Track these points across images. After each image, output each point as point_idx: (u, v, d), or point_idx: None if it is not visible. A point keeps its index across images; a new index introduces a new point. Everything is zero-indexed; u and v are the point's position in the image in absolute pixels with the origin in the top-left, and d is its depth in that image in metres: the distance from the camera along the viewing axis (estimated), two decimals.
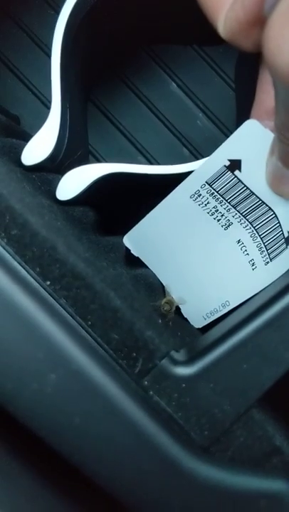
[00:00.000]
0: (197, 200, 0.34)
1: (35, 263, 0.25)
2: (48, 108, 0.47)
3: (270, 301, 0.26)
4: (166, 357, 0.25)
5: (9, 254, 0.25)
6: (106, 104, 0.48)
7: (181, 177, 0.39)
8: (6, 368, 0.22)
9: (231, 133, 0.47)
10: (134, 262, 0.38)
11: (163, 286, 0.36)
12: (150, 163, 0.48)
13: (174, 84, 0.48)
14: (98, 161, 0.48)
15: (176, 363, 0.25)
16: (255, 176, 0.32)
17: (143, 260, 0.36)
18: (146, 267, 0.38)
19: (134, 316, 0.26)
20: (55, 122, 0.37)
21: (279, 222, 0.32)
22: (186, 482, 0.22)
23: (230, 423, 0.25)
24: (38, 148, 0.36)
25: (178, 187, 0.34)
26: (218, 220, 0.33)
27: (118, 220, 0.47)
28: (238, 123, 0.48)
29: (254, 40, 0.25)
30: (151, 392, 0.24)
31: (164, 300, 0.31)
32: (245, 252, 0.33)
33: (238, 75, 0.48)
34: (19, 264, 0.25)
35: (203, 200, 0.33)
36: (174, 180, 0.39)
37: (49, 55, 0.47)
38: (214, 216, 0.33)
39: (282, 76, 0.22)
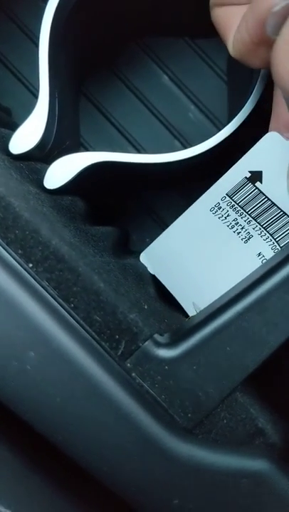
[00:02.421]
0: (217, 213, 0.34)
1: (18, 245, 0.25)
2: (34, 96, 0.47)
3: (254, 284, 0.26)
4: (150, 339, 0.25)
5: None
6: (97, 96, 0.48)
7: (170, 166, 0.39)
8: None
9: (223, 125, 0.47)
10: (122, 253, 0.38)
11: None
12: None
13: (165, 76, 0.48)
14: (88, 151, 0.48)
15: (159, 345, 0.25)
16: (277, 187, 0.32)
17: (159, 278, 0.36)
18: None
19: (118, 300, 0.26)
20: (43, 111, 0.37)
21: None
22: (167, 461, 0.22)
23: (214, 406, 0.25)
24: (25, 137, 0.36)
25: (198, 200, 0.34)
26: (239, 233, 0.33)
27: (108, 210, 0.47)
28: (230, 115, 0.48)
29: (261, 59, 0.27)
30: (133, 374, 0.24)
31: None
32: None
33: (230, 68, 0.48)
34: (1, 246, 0.24)
35: (223, 212, 0.34)
36: (163, 170, 0.39)
37: (36, 44, 0.47)
38: (234, 229, 0.33)
39: None
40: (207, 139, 0.48)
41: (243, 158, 0.33)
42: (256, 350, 0.25)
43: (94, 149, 0.48)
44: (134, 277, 0.36)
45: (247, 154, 0.33)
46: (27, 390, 0.21)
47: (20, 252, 0.25)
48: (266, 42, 0.27)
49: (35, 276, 0.24)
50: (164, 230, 0.49)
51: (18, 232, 0.25)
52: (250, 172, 0.32)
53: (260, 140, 0.32)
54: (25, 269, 0.24)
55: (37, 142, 0.36)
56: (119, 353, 0.25)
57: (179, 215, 0.49)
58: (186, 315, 0.37)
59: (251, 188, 0.32)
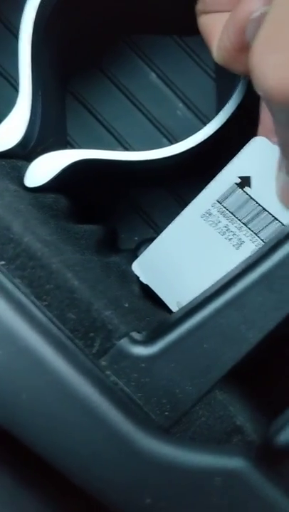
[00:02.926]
0: (208, 219, 0.33)
1: None
2: (15, 89, 0.47)
3: (232, 281, 0.25)
4: (126, 337, 0.25)
5: None
6: (84, 94, 0.48)
7: (155, 163, 0.38)
8: None
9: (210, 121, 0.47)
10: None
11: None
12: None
13: (153, 74, 0.48)
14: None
15: (135, 342, 0.25)
16: (266, 191, 0.32)
17: (152, 288, 0.36)
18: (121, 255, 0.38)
19: (93, 297, 0.25)
20: (24, 108, 0.36)
21: None
22: (139, 460, 0.21)
23: (192, 403, 0.25)
24: (7, 135, 0.36)
25: (188, 207, 0.34)
26: (230, 239, 0.33)
27: (95, 209, 0.46)
28: (218, 112, 0.47)
29: (244, 65, 0.28)
30: (108, 372, 0.24)
31: None
32: None
33: (218, 65, 0.48)
34: None
35: (214, 219, 0.33)
36: (148, 167, 0.39)
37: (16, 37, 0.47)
38: (226, 236, 0.33)
39: (271, 99, 0.23)
40: None
41: (231, 163, 0.32)
42: (234, 347, 0.25)
43: (81, 147, 0.48)
44: (117, 275, 0.36)
45: (235, 159, 0.32)
46: None
47: None
48: (247, 48, 0.27)
49: (7, 274, 0.24)
50: (152, 227, 0.49)
51: None
52: (239, 177, 0.32)
53: (248, 145, 0.32)
54: None
55: (19, 140, 0.36)
56: (94, 350, 0.24)
57: (168, 213, 0.48)
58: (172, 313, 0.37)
59: (241, 193, 0.32)
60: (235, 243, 0.34)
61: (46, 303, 0.24)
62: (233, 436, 0.25)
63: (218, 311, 0.25)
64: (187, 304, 0.26)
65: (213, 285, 0.26)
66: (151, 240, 0.48)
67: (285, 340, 0.30)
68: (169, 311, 0.37)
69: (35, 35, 0.37)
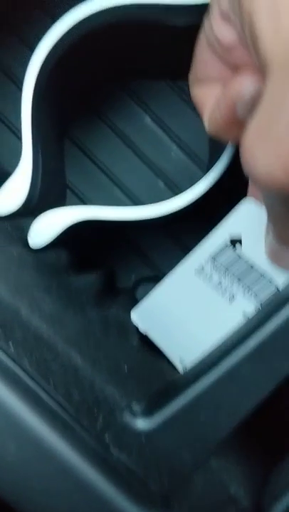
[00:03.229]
0: (201, 275, 0.35)
1: None
2: (18, 138, 0.48)
3: (226, 353, 0.27)
4: (126, 410, 0.27)
5: None
6: (82, 139, 0.49)
7: (156, 219, 0.40)
8: None
9: (204, 164, 0.48)
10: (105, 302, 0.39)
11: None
12: (126, 195, 0.49)
13: (148, 117, 0.50)
14: (75, 194, 0.50)
15: (136, 415, 0.27)
16: (256, 250, 0.34)
17: (149, 336, 0.38)
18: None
19: (95, 373, 0.27)
20: (26, 169, 0.38)
21: None
22: None
23: (189, 473, 0.26)
24: (10, 198, 0.37)
25: (182, 263, 0.36)
26: (223, 294, 0.35)
27: (93, 252, 0.48)
28: (211, 155, 0.49)
29: (233, 137, 0.29)
30: (111, 448, 0.26)
31: None
32: None
33: None
34: None
35: (207, 274, 0.35)
36: (149, 222, 0.40)
37: (18, 85, 0.48)
38: (218, 290, 0.35)
39: (259, 184, 0.24)
40: (190, 178, 0.50)
41: (222, 223, 0.34)
42: (229, 416, 0.27)
43: (79, 190, 0.49)
44: (116, 328, 0.37)
45: (226, 219, 0.34)
46: (7, 476, 0.23)
47: (0, 332, 0.26)
48: (237, 123, 0.28)
49: (15, 357, 0.25)
50: (149, 266, 0.50)
51: None
52: (230, 237, 0.34)
53: (238, 206, 0.34)
54: (4, 350, 0.25)
55: (23, 202, 0.37)
56: (98, 427, 0.26)
57: (164, 252, 0.50)
58: (170, 362, 0.39)
59: (232, 251, 0.34)
60: (227, 297, 0.35)
61: (52, 383, 0.26)
62: (228, 506, 0.26)
63: (214, 383, 0.27)
64: (183, 376, 0.28)
65: (205, 358, 0.28)
66: (149, 278, 0.50)
67: (275, 404, 0.32)
68: (168, 360, 0.39)
69: (36, 90, 0.38)
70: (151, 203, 0.49)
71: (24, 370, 0.25)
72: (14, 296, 0.27)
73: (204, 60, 0.31)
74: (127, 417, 0.27)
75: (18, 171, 0.37)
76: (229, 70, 0.30)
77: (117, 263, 0.50)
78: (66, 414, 0.25)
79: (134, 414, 0.27)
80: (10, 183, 0.37)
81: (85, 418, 0.26)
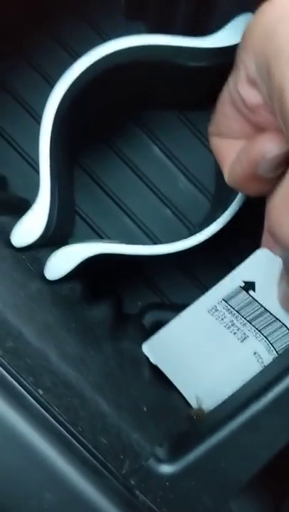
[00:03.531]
0: (214, 314, 0.37)
1: (28, 373, 0.27)
2: (34, 168, 0.49)
3: (245, 404, 0.28)
4: (151, 455, 0.28)
5: (3, 365, 0.27)
6: (92, 167, 0.50)
7: (168, 255, 0.41)
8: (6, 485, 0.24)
9: (210, 194, 0.49)
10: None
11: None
12: (135, 223, 0.50)
13: (156, 147, 0.50)
14: (84, 220, 0.50)
15: (160, 461, 0.28)
16: (269, 295, 0.35)
17: (160, 368, 0.39)
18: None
19: (121, 419, 0.28)
20: (45, 202, 0.39)
21: None
22: None
23: None
24: (28, 230, 0.38)
25: (196, 302, 0.37)
26: (235, 333, 0.36)
27: (103, 281, 0.49)
28: (217, 185, 0.50)
29: (254, 191, 0.30)
30: (137, 492, 0.27)
31: (196, 411, 0.35)
32: (262, 364, 0.35)
33: None
34: (13, 374, 0.26)
35: (220, 314, 0.37)
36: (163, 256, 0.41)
37: (35, 119, 0.49)
38: (231, 329, 0.36)
39: (280, 244, 0.26)
40: (196, 207, 0.51)
41: (236, 269, 0.35)
42: (248, 464, 0.28)
43: (89, 216, 0.50)
44: (130, 362, 0.38)
45: (240, 266, 0.35)
46: None
47: (31, 379, 0.27)
48: (258, 179, 0.29)
49: (44, 404, 0.26)
50: (155, 293, 0.51)
51: (28, 361, 0.27)
52: (243, 282, 0.35)
53: (253, 255, 0.35)
54: (34, 398, 0.26)
55: (41, 233, 0.38)
56: (124, 471, 0.27)
57: (170, 278, 0.51)
58: (180, 394, 0.40)
59: (245, 295, 0.35)
60: (239, 337, 0.37)
61: (80, 429, 0.27)
62: None
63: (234, 433, 0.28)
64: (204, 423, 0.29)
65: (225, 407, 0.29)
66: (155, 305, 0.51)
67: None
68: (178, 391, 0.40)
69: (54, 124, 0.39)
70: (158, 229, 0.51)
71: (54, 417, 0.26)
72: (41, 339, 0.28)
73: (226, 115, 0.32)
74: (153, 464, 0.27)
75: (37, 205, 0.38)
76: (252, 127, 0.31)
77: (124, 290, 0.51)
78: (95, 459, 0.26)
79: (158, 459, 0.28)
80: (29, 215, 0.38)
81: (112, 463, 0.27)
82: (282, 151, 0.28)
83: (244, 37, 0.29)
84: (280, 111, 0.26)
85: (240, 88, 0.30)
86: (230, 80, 0.31)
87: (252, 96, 0.29)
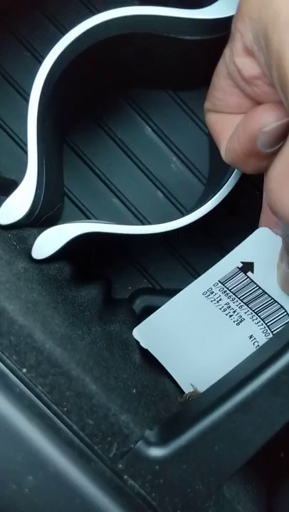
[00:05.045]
0: (210, 297, 0.35)
1: (12, 351, 0.25)
2: (22, 149, 0.48)
3: (240, 385, 0.27)
4: (141, 440, 0.26)
5: None
6: (81, 147, 0.49)
7: (159, 234, 0.39)
8: None
9: (204, 177, 0.48)
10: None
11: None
12: (125, 205, 0.49)
13: (148, 128, 0.49)
14: (72, 202, 0.49)
15: (149, 444, 0.26)
16: (267, 276, 0.34)
17: (151, 352, 0.37)
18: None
19: (109, 400, 0.26)
20: (31, 181, 0.37)
21: None
22: None
23: (202, 502, 0.26)
24: (14, 208, 0.36)
25: (190, 285, 0.36)
26: (230, 316, 0.35)
27: (92, 263, 0.48)
28: (211, 167, 0.49)
29: (251, 168, 0.29)
30: (125, 476, 0.25)
31: (190, 393, 0.35)
32: (258, 347, 0.34)
33: None
34: None
35: (215, 297, 0.35)
36: (151, 237, 0.40)
37: (23, 97, 0.48)
38: (226, 312, 0.35)
39: (281, 219, 0.25)
40: (189, 189, 0.49)
41: (235, 249, 0.34)
42: (243, 449, 0.26)
43: (77, 198, 0.49)
44: (119, 345, 0.37)
45: (239, 246, 0.34)
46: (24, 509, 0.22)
47: (14, 357, 0.25)
48: (257, 154, 0.28)
49: (28, 383, 0.25)
50: (145, 277, 0.50)
51: (12, 339, 0.26)
52: (242, 263, 0.34)
53: (252, 234, 0.34)
54: (18, 376, 0.25)
55: (26, 212, 0.37)
56: (111, 455, 0.26)
57: (161, 263, 0.50)
58: (170, 377, 0.39)
59: (243, 277, 0.34)
60: (235, 320, 0.35)
61: (66, 409, 0.25)
62: None
63: (228, 415, 0.26)
64: (197, 405, 0.27)
65: (218, 388, 0.28)
66: (145, 290, 0.50)
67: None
68: (168, 374, 0.39)
69: (42, 101, 0.38)
70: (149, 213, 0.49)
71: (38, 397, 0.25)
72: (26, 317, 0.27)
73: (223, 89, 0.31)
74: (142, 447, 0.26)
75: (24, 182, 0.37)
76: (249, 101, 0.30)
77: (114, 274, 0.49)
78: (80, 441, 0.25)
79: (148, 442, 0.27)
80: (15, 194, 0.36)
81: (99, 446, 0.26)
82: (282, 123, 0.27)
83: (240, 4, 0.28)
84: (278, 79, 0.25)
85: (237, 59, 0.28)
86: (226, 52, 0.30)
87: (249, 67, 0.28)
